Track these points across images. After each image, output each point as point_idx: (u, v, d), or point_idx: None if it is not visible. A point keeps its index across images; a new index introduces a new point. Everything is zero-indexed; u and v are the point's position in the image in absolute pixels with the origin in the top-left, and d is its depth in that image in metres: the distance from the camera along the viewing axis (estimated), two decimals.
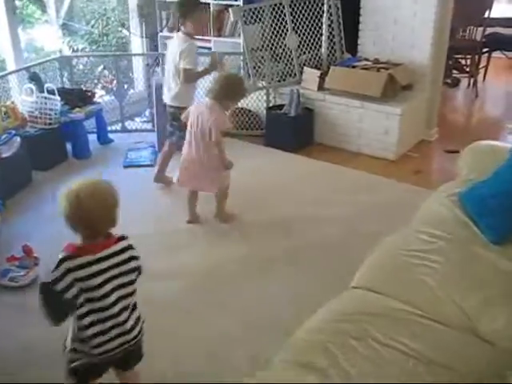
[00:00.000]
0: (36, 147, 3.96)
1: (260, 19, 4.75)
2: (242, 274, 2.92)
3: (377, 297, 1.97)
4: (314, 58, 4.87)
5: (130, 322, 1.82)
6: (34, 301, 2.61)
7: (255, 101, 4.92)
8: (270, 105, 4.85)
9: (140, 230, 3.30)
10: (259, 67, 4.77)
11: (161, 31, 5.49)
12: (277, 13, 4.66)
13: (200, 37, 5.35)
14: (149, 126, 5.08)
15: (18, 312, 2.61)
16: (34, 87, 4.19)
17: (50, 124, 4.14)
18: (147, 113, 5.26)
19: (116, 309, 1.76)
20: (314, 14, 4.73)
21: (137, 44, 5.66)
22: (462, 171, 2.74)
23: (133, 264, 1.80)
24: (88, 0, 5.68)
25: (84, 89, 4.90)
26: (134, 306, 1.85)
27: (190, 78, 3.61)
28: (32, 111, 4.14)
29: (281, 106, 4.70)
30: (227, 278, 2.90)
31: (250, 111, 4.94)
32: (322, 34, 4.77)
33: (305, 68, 4.78)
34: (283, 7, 4.65)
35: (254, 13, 4.67)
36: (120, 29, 5.58)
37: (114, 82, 5.18)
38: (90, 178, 1.78)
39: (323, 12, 4.71)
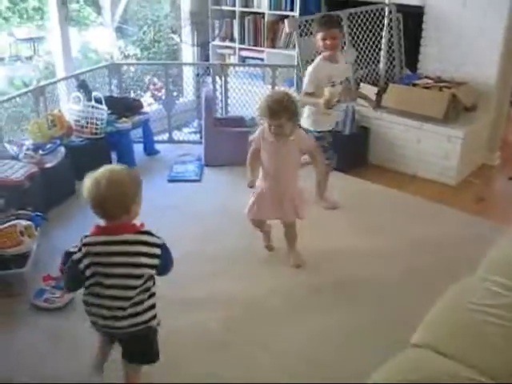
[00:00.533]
0: (80, 157, 3.83)
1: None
2: (285, 309, 2.70)
3: (441, 360, 1.74)
4: (372, 74, 4.63)
5: (123, 312, 1.86)
6: (67, 325, 2.53)
7: None
8: None
9: (181, 249, 3.12)
10: None
11: (213, 40, 5.36)
12: None
13: (253, 47, 5.26)
14: (196, 137, 4.95)
15: (49, 338, 2.48)
16: (81, 96, 4.11)
17: (95, 134, 4.04)
18: (195, 123, 5.13)
19: (109, 292, 1.85)
20: (373, 27, 4.50)
21: (188, 52, 5.54)
22: None
23: (143, 260, 1.83)
24: (141, 6, 5.62)
25: (132, 97, 4.80)
26: (138, 300, 1.87)
27: (302, 100, 3.42)
28: (78, 120, 4.05)
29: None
30: (269, 311, 2.68)
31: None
32: (380, 49, 4.53)
33: (361, 84, 4.55)
34: (341, 19, 4.42)
35: (310, 24, 4.46)
36: (171, 36, 5.48)
37: (163, 90, 5.07)
38: (115, 165, 1.95)
39: (383, 26, 4.48)
